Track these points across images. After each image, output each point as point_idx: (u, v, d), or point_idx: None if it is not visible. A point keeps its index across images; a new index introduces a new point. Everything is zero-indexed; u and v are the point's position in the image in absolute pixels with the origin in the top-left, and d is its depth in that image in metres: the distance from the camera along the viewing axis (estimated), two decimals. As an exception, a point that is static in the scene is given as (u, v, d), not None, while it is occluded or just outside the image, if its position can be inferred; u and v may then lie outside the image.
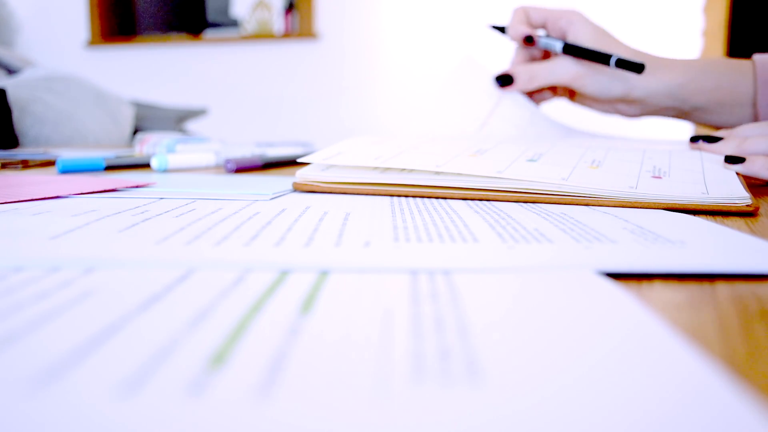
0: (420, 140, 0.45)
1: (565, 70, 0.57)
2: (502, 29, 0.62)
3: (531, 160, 0.38)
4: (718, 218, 0.30)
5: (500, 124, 0.59)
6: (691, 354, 0.12)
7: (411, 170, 0.36)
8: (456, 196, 0.35)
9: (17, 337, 0.13)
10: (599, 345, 0.13)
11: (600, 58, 0.55)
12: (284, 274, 0.18)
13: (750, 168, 0.38)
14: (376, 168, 0.38)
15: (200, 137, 0.85)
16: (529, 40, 0.58)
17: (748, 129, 0.44)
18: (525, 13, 0.60)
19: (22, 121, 1.12)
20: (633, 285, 0.18)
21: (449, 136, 0.54)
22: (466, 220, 0.27)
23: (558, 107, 0.80)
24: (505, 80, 0.58)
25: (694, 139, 0.46)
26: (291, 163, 0.62)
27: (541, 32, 0.61)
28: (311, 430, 0.09)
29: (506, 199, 0.34)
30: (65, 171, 0.51)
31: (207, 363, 0.12)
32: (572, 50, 0.56)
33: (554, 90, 0.63)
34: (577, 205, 0.32)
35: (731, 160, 0.39)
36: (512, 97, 0.61)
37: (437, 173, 0.35)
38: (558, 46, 0.57)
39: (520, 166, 0.36)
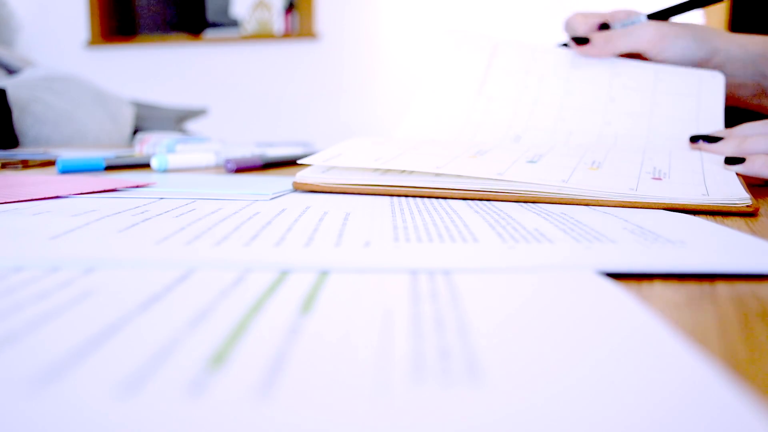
0: (420, 141, 0.45)
1: (643, 32, 0.54)
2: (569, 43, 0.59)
3: (531, 162, 0.38)
4: (718, 218, 0.30)
5: (502, 72, 0.57)
6: (691, 354, 0.12)
7: (411, 172, 0.36)
8: (456, 196, 0.35)
9: (17, 337, 0.13)
10: (599, 345, 0.13)
11: (697, 2, 0.53)
12: (284, 274, 0.18)
13: (750, 168, 0.38)
14: (376, 170, 0.38)
15: (200, 137, 0.85)
16: (605, 27, 0.56)
17: (748, 128, 0.44)
18: (583, 17, 0.57)
19: (22, 121, 1.12)
20: (633, 285, 0.18)
21: (449, 138, 0.54)
22: (466, 220, 0.27)
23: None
24: (580, 41, 0.56)
25: (694, 139, 0.46)
26: (291, 163, 0.62)
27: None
28: (311, 430, 0.09)
29: (506, 199, 0.34)
30: (65, 171, 0.51)
31: (207, 363, 0.12)
32: (660, 14, 0.54)
33: None
34: (577, 205, 0.32)
35: (731, 161, 0.39)
36: (506, 44, 0.59)
37: (437, 175, 0.35)
38: (641, 16, 0.55)
39: (520, 168, 0.36)
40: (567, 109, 0.55)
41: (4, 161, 0.60)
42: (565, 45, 0.60)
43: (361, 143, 0.43)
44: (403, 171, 0.37)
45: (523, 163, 0.38)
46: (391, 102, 2.75)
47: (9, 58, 1.40)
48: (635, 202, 0.32)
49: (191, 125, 2.21)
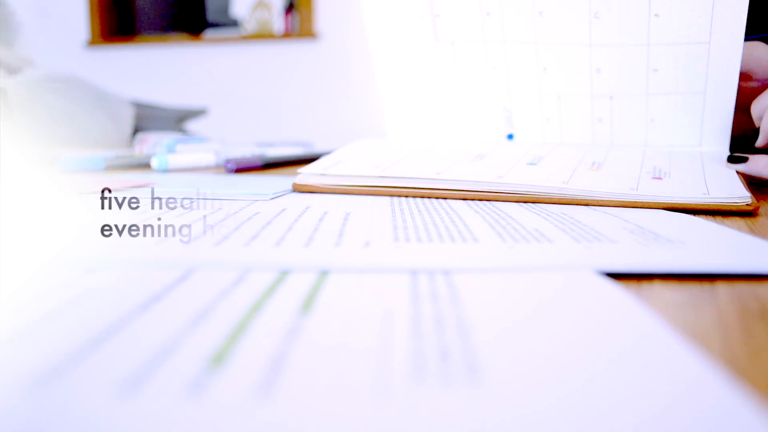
0: (419, 145, 0.45)
1: (757, 50, 0.43)
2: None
3: (531, 164, 0.38)
4: (718, 218, 0.30)
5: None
6: (691, 354, 0.12)
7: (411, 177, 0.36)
8: (456, 197, 0.35)
9: (17, 338, 0.13)
10: (599, 345, 0.13)
11: None
12: (284, 274, 0.18)
13: (752, 167, 0.38)
14: (376, 167, 0.38)
15: (200, 137, 0.85)
16: None
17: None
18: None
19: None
20: (633, 285, 0.18)
21: (448, 141, 0.54)
22: (466, 220, 0.27)
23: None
24: None
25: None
26: (291, 163, 0.62)
27: None
28: (311, 430, 0.09)
29: (507, 200, 0.34)
30: (65, 171, 0.51)
31: (207, 363, 0.12)
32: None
33: None
34: (577, 205, 0.32)
35: (733, 159, 0.39)
36: None
37: (437, 180, 0.35)
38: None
39: (521, 171, 0.36)
40: (544, 44, 0.45)
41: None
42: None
43: (360, 149, 0.43)
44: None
45: (524, 165, 0.38)
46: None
47: (9, 58, 1.40)
48: (635, 202, 0.32)
49: (191, 125, 2.21)
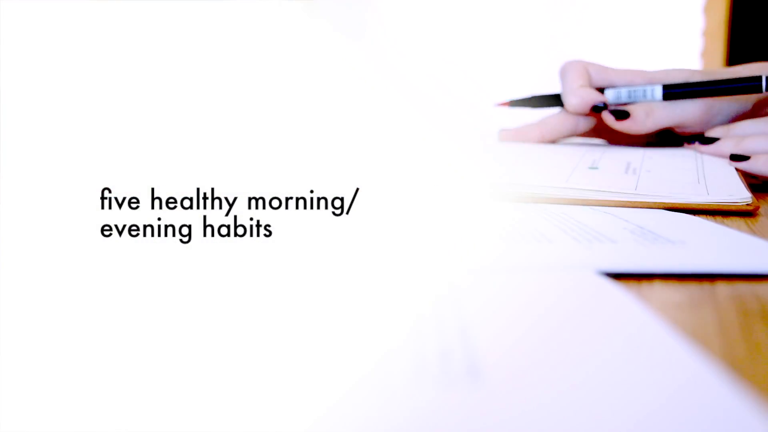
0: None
1: (688, 109, 0.43)
2: (538, 100, 0.47)
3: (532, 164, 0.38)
4: (718, 218, 0.30)
5: None
6: (691, 354, 0.12)
7: None
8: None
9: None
10: (599, 345, 0.13)
11: (749, 87, 0.42)
12: (281, 274, 0.18)
13: (753, 165, 0.38)
14: None
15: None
16: (598, 110, 0.44)
17: (746, 126, 0.43)
18: (586, 73, 0.45)
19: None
20: (633, 285, 0.18)
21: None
22: (466, 220, 0.27)
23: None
24: (620, 115, 0.44)
25: (689, 141, 0.45)
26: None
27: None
28: (310, 429, 0.09)
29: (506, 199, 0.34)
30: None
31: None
32: (687, 92, 0.43)
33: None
34: (577, 205, 0.32)
35: (736, 158, 0.39)
36: None
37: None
38: (657, 90, 0.44)
39: (522, 169, 0.36)
40: None
41: None
42: (517, 103, 0.47)
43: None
44: None
45: (525, 164, 0.38)
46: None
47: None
48: (635, 201, 0.32)
49: (191, 125, 2.21)
